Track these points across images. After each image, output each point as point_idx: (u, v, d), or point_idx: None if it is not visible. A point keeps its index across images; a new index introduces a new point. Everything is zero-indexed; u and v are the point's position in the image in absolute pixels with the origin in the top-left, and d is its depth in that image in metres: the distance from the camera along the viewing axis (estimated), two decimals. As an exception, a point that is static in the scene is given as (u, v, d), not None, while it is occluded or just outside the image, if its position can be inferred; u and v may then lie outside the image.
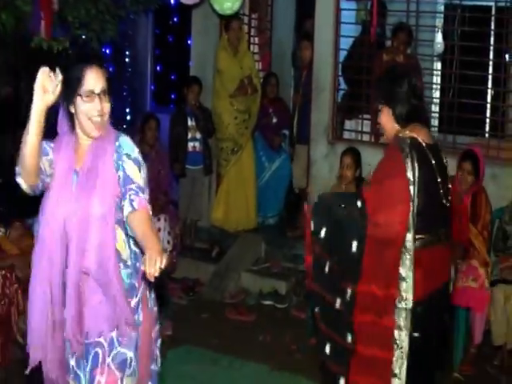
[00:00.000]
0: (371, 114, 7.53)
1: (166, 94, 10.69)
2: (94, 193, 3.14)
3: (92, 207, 3.13)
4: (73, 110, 3.22)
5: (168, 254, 6.76)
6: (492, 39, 7.81)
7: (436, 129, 8.15)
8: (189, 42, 9.32)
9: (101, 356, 3.18)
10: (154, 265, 2.77)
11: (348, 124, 7.88)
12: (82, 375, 3.23)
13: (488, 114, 7.72)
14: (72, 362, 3.25)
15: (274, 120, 8.25)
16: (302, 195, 8.03)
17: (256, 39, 8.98)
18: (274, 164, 8.25)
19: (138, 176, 3.16)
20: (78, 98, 3.18)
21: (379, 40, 7.58)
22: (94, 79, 3.18)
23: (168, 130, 7.88)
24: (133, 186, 3.12)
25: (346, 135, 7.76)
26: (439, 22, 8.07)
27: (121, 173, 3.15)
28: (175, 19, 10.66)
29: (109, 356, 3.19)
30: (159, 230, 6.65)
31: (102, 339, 3.19)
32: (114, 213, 3.15)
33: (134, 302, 3.23)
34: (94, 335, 3.19)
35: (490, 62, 7.59)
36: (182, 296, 6.98)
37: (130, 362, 3.23)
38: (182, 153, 7.77)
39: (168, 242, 6.73)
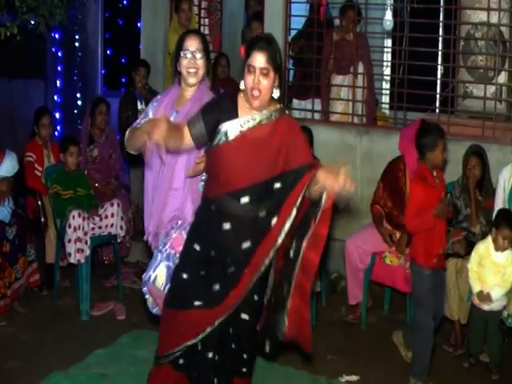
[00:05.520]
0: (321, 93, 7.53)
1: (116, 77, 10.56)
2: None
3: None
4: (179, 68, 4.45)
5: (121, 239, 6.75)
6: (441, 15, 7.84)
7: (387, 105, 8.19)
8: (139, 24, 9.22)
9: (178, 224, 4.44)
10: None
11: (297, 103, 7.86)
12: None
13: (438, 90, 7.73)
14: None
15: (226, 101, 8.18)
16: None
17: (206, 20, 8.92)
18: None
19: None
20: (180, 57, 4.41)
21: (328, 19, 7.57)
22: (189, 43, 4.41)
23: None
24: None
25: (297, 114, 7.73)
26: (389, -1, 8.12)
27: None
28: (125, 2, 10.53)
29: (182, 227, 4.42)
30: (112, 215, 6.54)
31: (180, 221, 4.47)
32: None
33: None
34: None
35: (440, 38, 7.62)
36: (136, 280, 6.85)
37: None
38: (132, 136, 7.65)
39: (121, 228, 6.59)
